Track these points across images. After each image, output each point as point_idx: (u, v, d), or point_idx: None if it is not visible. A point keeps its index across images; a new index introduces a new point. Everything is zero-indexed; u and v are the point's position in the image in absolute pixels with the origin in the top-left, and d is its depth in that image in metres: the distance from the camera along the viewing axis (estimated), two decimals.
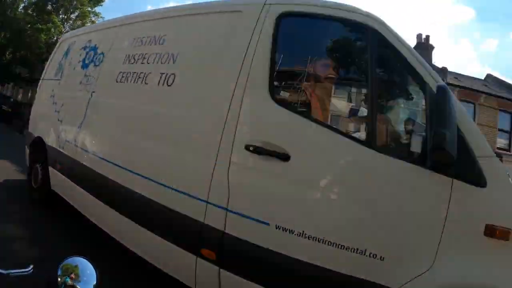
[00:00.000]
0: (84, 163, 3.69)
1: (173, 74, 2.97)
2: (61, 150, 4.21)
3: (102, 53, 4.10)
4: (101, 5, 25.39)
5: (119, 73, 3.57)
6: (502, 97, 19.54)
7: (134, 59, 3.47)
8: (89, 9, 22.51)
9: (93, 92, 3.92)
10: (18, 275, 0.94)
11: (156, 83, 3.07)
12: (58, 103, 4.70)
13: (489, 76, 23.43)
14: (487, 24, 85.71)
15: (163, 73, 3.04)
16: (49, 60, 5.81)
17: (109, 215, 3.18)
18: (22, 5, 26.37)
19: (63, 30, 22.06)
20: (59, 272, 0.93)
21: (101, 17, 23.53)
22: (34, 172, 4.87)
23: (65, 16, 22.75)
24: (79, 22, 22.51)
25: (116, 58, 3.81)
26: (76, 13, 22.71)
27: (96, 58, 4.18)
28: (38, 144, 4.85)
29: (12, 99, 23.28)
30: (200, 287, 2.49)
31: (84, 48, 4.57)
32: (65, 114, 4.42)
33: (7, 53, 25.93)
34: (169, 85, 2.96)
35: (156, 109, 3.05)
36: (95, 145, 3.75)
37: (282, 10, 2.51)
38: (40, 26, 19.94)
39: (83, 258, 0.98)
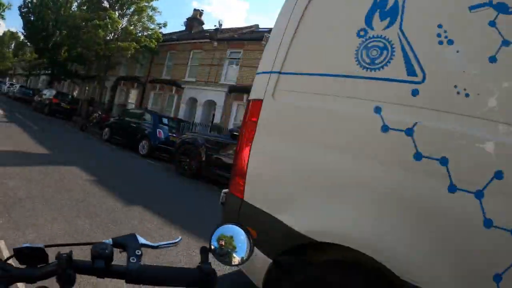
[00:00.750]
0: None
1: None
2: None
3: None
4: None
5: None
6: None
7: None
8: (146, 3, 22.39)
9: None
10: (167, 247, 0.97)
11: None
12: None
13: None
14: None
15: None
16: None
17: None
18: (76, 3, 27.08)
19: (121, 25, 22.14)
20: (213, 240, 0.92)
21: (158, 11, 23.46)
22: None
23: (121, 12, 22.80)
24: (135, 17, 22.51)
25: None
26: (132, 8, 22.69)
27: None
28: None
29: (70, 96, 23.76)
30: None
31: None
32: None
33: (63, 51, 26.57)
34: None
35: None
36: None
37: None
38: (98, 22, 20.00)
39: (236, 225, 0.95)
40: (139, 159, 12.13)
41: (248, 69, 19.00)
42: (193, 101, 20.26)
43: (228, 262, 0.92)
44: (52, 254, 0.81)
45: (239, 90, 18.19)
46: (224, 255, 0.92)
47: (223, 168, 9.00)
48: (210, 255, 0.90)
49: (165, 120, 14.26)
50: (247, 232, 0.94)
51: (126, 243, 0.88)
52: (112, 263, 0.82)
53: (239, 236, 0.94)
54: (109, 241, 0.86)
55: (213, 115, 19.26)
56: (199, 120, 18.90)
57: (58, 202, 4.65)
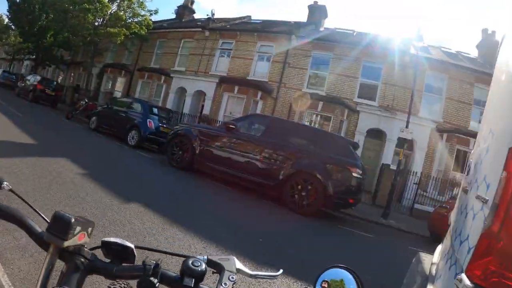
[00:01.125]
0: None
1: None
2: None
3: None
4: None
5: None
6: None
7: None
8: None
9: None
10: (266, 278, 0.92)
11: None
12: None
13: None
14: None
15: None
16: None
17: None
18: None
19: (110, 10, 21.54)
20: (318, 283, 0.84)
21: None
22: None
23: None
24: (125, 3, 21.92)
25: None
26: None
27: None
28: None
29: (54, 82, 23.09)
30: None
31: None
32: None
33: (49, 35, 25.73)
34: None
35: None
36: None
37: None
38: (87, 6, 19.39)
39: (347, 270, 0.85)
40: (129, 150, 11.89)
41: (240, 61, 18.78)
42: (182, 91, 19.93)
43: None
44: (139, 256, 0.81)
45: (230, 81, 17.96)
46: None
47: (217, 162, 8.92)
48: None
49: (155, 110, 13.97)
50: (357, 277, 0.86)
51: (222, 264, 0.84)
52: (202, 283, 0.79)
53: (349, 281, 0.85)
54: (204, 258, 0.84)
55: (202, 106, 18.99)
56: (188, 111, 18.62)
57: (49, 199, 4.43)
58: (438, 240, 9.62)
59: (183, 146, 9.57)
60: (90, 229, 0.84)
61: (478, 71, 16.98)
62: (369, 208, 11.97)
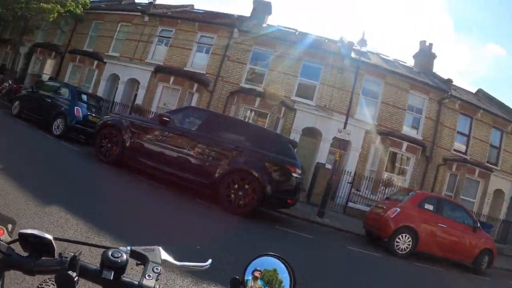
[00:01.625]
0: None
1: None
2: None
3: None
4: None
5: None
6: (497, 115, 19.57)
7: None
8: None
9: None
10: (193, 269, 0.90)
11: None
12: None
13: (480, 91, 23.64)
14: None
15: None
16: None
17: None
18: None
19: None
20: (248, 272, 0.84)
21: None
22: None
23: None
24: None
25: None
26: None
27: None
28: None
29: None
30: None
31: None
32: None
33: None
34: None
35: None
36: None
37: None
38: None
39: (278, 258, 0.87)
40: (53, 140, 10.66)
41: (178, 50, 17.96)
42: (114, 78, 18.69)
43: None
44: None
45: (165, 71, 17.06)
46: None
47: (149, 157, 8.10)
48: None
49: (84, 97, 12.72)
50: (289, 267, 0.85)
51: (146, 255, 0.81)
52: (124, 276, 0.76)
53: (282, 270, 0.85)
54: (127, 249, 0.80)
55: (135, 95, 17.91)
56: (120, 100, 17.46)
57: None
58: (374, 239, 9.87)
59: (112, 138, 8.56)
60: (10, 226, 0.81)
61: (413, 79, 17.64)
62: (304, 207, 11.94)
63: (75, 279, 0.71)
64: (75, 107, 11.68)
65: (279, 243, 6.56)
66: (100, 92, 17.92)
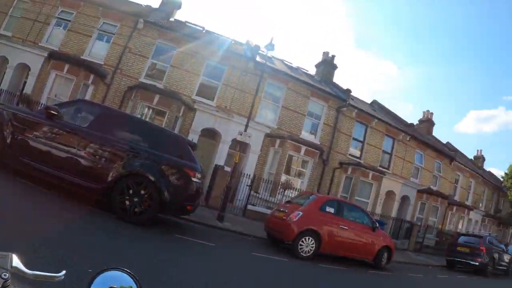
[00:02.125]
0: None
1: None
2: None
3: None
4: None
5: None
6: (390, 124, 21.11)
7: None
8: None
9: None
10: (45, 280, 0.84)
11: None
12: None
13: (374, 102, 25.42)
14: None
15: None
16: None
17: None
18: None
19: None
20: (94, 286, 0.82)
21: None
22: None
23: None
24: None
25: None
26: None
27: None
28: None
29: None
30: None
31: None
32: None
33: None
34: None
35: None
36: None
37: None
38: None
39: (123, 271, 0.85)
40: None
41: (77, 36, 16.82)
42: (3, 62, 17.04)
43: None
44: None
45: (60, 58, 15.84)
46: None
47: (34, 157, 6.98)
48: None
49: None
50: (136, 280, 0.85)
51: None
52: None
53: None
54: None
55: (25, 82, 16.48)
56: (7, 87, 15.95)
57: None
58: (276, 242, 10.07)
59: None
60: None
61: (314, 87, 18.34)
62: (203, 210, 11.71)
63: None
64: None
65: (178, 255, 6.13)
66: None
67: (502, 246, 18.11)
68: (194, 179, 7.44)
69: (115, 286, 0.83)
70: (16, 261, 0.81)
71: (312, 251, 9.01)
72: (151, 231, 6.92)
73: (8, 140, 7.09)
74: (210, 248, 7.49)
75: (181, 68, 15.93)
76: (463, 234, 17.95)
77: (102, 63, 16.07)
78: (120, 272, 0.87)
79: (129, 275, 0.87)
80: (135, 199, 6.87)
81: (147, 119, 14.51)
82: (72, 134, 7.18)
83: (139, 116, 14.15)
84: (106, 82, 15.50)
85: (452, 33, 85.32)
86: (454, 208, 25.04)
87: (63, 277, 0.89)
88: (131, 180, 6.96)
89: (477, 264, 15.14)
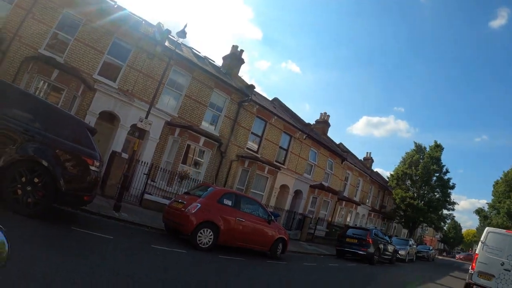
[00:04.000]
0: None
1: None
2: None
3: None
4: None
5: None
6: (288, 122, 22.53)
7: None
8: None
9: None
10: None
11: None
12: None
13: (276, 99, 26.98)
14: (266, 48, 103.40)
15: None
16: None
17: None
18: None
19: None
20: None
21: None
22: None
23: None
24: None
25: None
26: None
27: None
28: None
29: None
30: None
31: None
32: None
33: None
34: None
35: None
36: None
37: None
38: None
39: None
40: None
41: None
42: None
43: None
44: None
45: None
46: None
47: None
48: None
49: None
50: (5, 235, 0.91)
51: None
52: None
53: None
54: None
55: None
56: None
57: None
58: (174, 233, 9.92)
59: None
60: None
61: (219, 79, 18.64)
62: (99, 200, 11.14)
63: None
64: None
65: (77, 252, 5.61)
66: None
67: (387, 238, 20.99)
68: (92, 168, 7.02)
69: None
70: None
71: (210, 243, 9.25)
72: (46, 225, 6.43)
73: None
74: (109, 241, 7.14)
75: (85, 42, 14.82)
76: (352, 227, 19.94)
77: (0, 26, 14.19)
78: None
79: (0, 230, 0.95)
80: (28, 188, 6.29)
81: (42, 96, 13.37)
82: None
83: (34, 93, 12.83)
84: (2, 49, 13.72)
85: (353, 45, 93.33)
86: (344, 203, 28.00)
87: None
88: (24, 166, 6.30)
89: (364, 253, 17.37)
